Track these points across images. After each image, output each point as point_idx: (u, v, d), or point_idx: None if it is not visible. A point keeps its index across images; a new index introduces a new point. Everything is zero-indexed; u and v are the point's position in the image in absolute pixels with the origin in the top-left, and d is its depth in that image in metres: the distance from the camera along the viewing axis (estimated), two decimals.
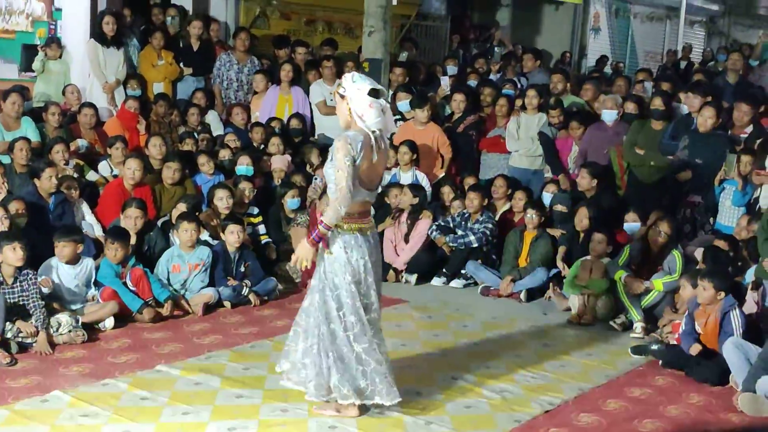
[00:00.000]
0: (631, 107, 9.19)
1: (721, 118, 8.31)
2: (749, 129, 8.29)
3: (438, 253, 8.70)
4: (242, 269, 7.64)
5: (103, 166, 8.82)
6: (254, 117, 10.47)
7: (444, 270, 8.58)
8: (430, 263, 8.64)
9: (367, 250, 4.97)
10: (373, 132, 4.83)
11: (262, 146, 9.71)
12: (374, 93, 4.79)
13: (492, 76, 12.55)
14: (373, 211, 5.72)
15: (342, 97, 4.89)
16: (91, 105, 9.44)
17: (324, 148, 10.17)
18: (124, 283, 6.88)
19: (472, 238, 8.50)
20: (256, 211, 8.51)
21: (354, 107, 4.82)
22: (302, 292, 7.93)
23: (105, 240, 7.20)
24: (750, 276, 6.95)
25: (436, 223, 8.76)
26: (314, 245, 4.88)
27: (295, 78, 10.59)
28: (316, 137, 10.66)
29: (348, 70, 10.88)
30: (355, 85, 4.82)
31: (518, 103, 10.11)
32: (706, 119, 8.13)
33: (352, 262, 4.92)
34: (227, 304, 7.34)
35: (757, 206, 7.65)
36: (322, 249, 4.94)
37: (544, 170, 9.60)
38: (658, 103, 8.86)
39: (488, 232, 8.55)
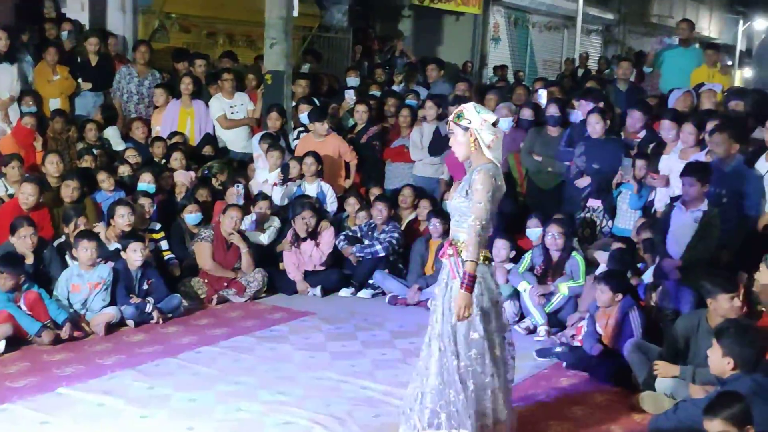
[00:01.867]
0: (527, 114, 9.37)
1: (610, 123, 8.53)
2: (642, 134, 8.53)
3: (347, 267, 8.70)
4: (145, 286, 7.49)
5: None
6: (155, 131, 10.30)
7: (351, 280, 8.58)
8: (338, 276, 8.63)
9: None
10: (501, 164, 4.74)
11: (164, 160, 9.55)
12: (495, 125, 4.74)
13: (395, 87, 12.65)
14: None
15: (465, 129, 4.69)
16: None
17: (230, 162, 10.10)
18: (19, 307, 6.66)
19: (378, 247, 8.53)
20: (158, 226, 8.37)
21: (484, 138, 4.66)
22: (207, 307, 7.87)
23: None
24: (648, 277, 7.15)
25: (343, 234, 8.77)
26: (470, 290, 4.56)
27: (196, 91, 10.46)
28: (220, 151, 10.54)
29: (249, 82, 10.91)
30: (481, 116, 4.69)
31: (421, 113, 10.20)
32: (593, 125, 8.34)
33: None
34: (130, 322, 7.18)
35: (653, 209, 7.88)
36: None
37: (441, 173, 9.70)
38: (552, 110, 9.07)
39: (394, 242, 8.59)
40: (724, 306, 5.42)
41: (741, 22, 35.00)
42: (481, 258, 4.63)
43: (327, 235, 8.70)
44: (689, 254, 6.57)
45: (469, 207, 4.62)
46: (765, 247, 6.90)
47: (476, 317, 4.63)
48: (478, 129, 4.67)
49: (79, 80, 10.48)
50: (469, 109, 4.74)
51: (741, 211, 7.11)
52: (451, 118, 4.80)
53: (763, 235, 7.15)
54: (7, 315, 6.51)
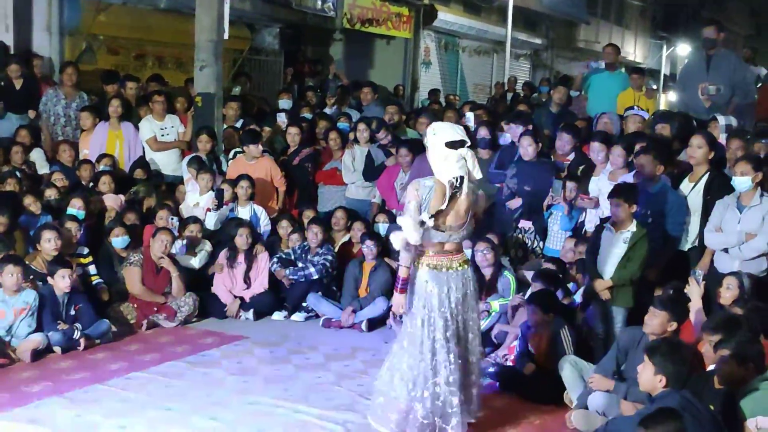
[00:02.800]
0: None
1: (542, 145, 8.65)
2: (571, 156, 8.67)
3: (281, 290, 8.65)
4: (72, 312, 7.32)
5: None
6: (83, 154, 10.10)
7: (285, 303, 8.52)
8: (271, 299, 8.56)
9: (445, 284, 5.20)
10: (450, 181, 5.04)
11: (91, 184, 9.38)
12: (451, 145, 5.06)
13: (327, 110, 12.66)
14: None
15: (427, 148, 5.22)
16: None
17: (159, 185, 9.97)
18: None
19: (312, 270, 8.48)
20: (85, 251, 8.20)
21: (432, 159, 5.13)
22: (137, 333, 7.72)
23: None
24: (579, 297, 7.25)
25: (277, 256, 8.71)
26: (402, 292, 5.20)
27: (124, 113, 10.31)
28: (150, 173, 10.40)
29: (179, 105, 10.79)
30: (434, 137, 5.13)
31: (351, 136, 10.22)
32: (526, 148, 8.46)
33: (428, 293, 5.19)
34: (57, 349, 7.00)
35: (583, 230, 8.00)
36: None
37: (373, 196, 9.73)
38: (483, 133, 9.17)
39: (328, 264, 8.56)
40: (660, 326, 5.53)
41: (665, 47, 36.00)
42: (430, 264, 5.19)
43: (262, 260, 8.64)
44: (618, 274, 6.68)
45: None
46: (688, 266, 7.11)
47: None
48: (430, 150, 5.17)
49: (1, 103, 10.24)
50: (429, 129, 5.27)
51: (665, 231, 7.27)
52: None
53: (686, 254, 7.33)
54: None
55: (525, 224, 8.43)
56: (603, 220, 7.33)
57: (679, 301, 5.85)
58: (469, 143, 5.20)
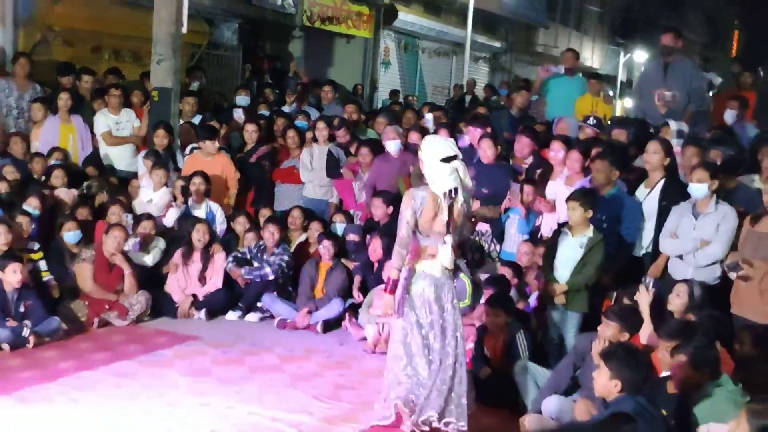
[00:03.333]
0: (414, 138, 9.41)
1: (500, 148, 8.66)
2: (530, 160, 8.69)
3: (236, 289, 8.56)
4: (22, 309, 7.17)
5: None
6: (34, 147, 9.91)
7: (239, 303, 8.43)
8: (225, 299, 8.47)
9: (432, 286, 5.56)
10: (445, 192, 5.44)
11: (43, 177, 9.21)
12: (446, 160, 5.44)
13: (286, 108, 12.57)
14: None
15: (422, 161, 5.61)
16: None
17: (112, 180, 9.82)
18: None
19: (267, 270, 8.41)
20: (36, 246, 8.04)
21: (426, 171, 5.54)
22: (88, 331, 7.59)
23: None
24: (534, 301, 7.27)
25: (233, 255, 8.62)
26: (392, 293, 5.53)
27: (75, 106, 10.12)
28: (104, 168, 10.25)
29: (135, 99, 10.64)
30: (428, 153, 5.53)
31: (309, 134, 10.15)
32: (485, 150, 8.47)
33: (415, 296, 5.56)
34: (5, 346, 6.87)
35: (539, 233, 8.02)
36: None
37: (330, 196, 9.69)
38: (443, 135, 9.15)
39: (284, 264, 8.49)
40: (612, 337, 5.55)
41: (622, 53, 36.41)
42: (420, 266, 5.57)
43: (218, 259, 8.55)
44: (574, 279, 6.71)
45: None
46: (642, 271, 7.15)
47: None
48: (425, 163, 5.56)
49: None
50: (426, 140, 5.72)
51: (620, 236, 7.31)
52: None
53: (640, 260, 7.38)
54: None
55: (482, 227, 8.43)
56: (560, 225, 7.36)
57: (632, 312, 5.88)
58: (460, 156, 5.55)
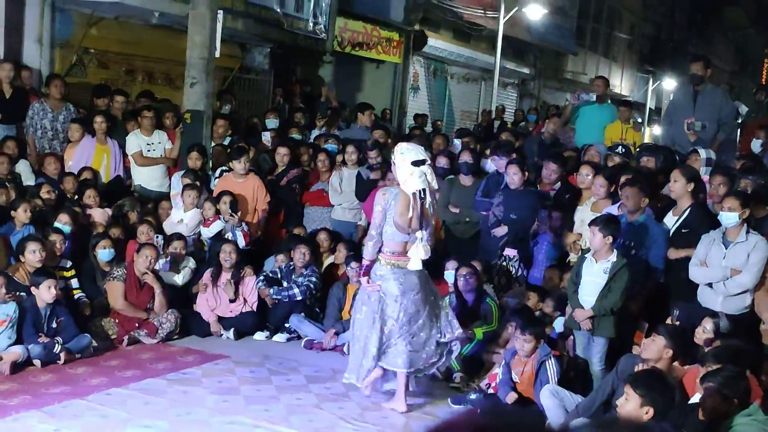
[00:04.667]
0: (443, 162, 9.47)
1: (528, 174, 8.69)
2: (557, 186, 8.72)
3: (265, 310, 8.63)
4: (54, 325, 7.27)
5: None
6: (67, 166, 10.07)
7: (267, 323, 8.49)
8: (253, 319, 8.53)
9: (403, 277, 6.32)
10: (414, 193, 6.13)
11: (75, 196, 9.35)
12: (416, 163, 6.10)
13: (316, 131, 12.69)
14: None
15: (394, 164, 6.27)
16: None
17: (144, 201, 9.95)
18: None
19: (296, 290, 8.47)
20: (68, 264, 8.16)
21: (398, 174, 6.20)
22: (118, 348, 7.68)
23: None
24: (559, 326, 7.27)
25: (264, 274, 8.69)
26: (365, 275, 6.43)
27: (110, 128, 10.29)
28: (133, 187, 10.39)
29: (168, 121, 10.78)
30: (402, 157, 6.16)
31: (339, 158, 10.24)
32: (512, 176, 8.50)
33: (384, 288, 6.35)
34: (37, 362, 6.95)
35: (567, 259, 8.03)
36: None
37: (358, 219, 9.75)
38: (465, 157, 9.22)
39: (312, 285, 8.54)
40: (657, 351, 5.57)
41: (651, 80, 36.34)
42: (388, 262, 6.34)
43: (250, 282, 8.62)
44: (599, 304, 6.71)
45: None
46: (669, 299, 7.14)
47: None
48: (398, 166, 6.20)
49: None
50: (396, 149, 6.28)
51: (648, 263, 7.31)
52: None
53: (668, 287, 7.36)
54: None
55: (510, 252, 8.44)
56: (584, 251, 7.37)
57: (682, 336, 5.87)
58: (429, 162, 6.26)
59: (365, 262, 6.41)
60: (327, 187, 9.96)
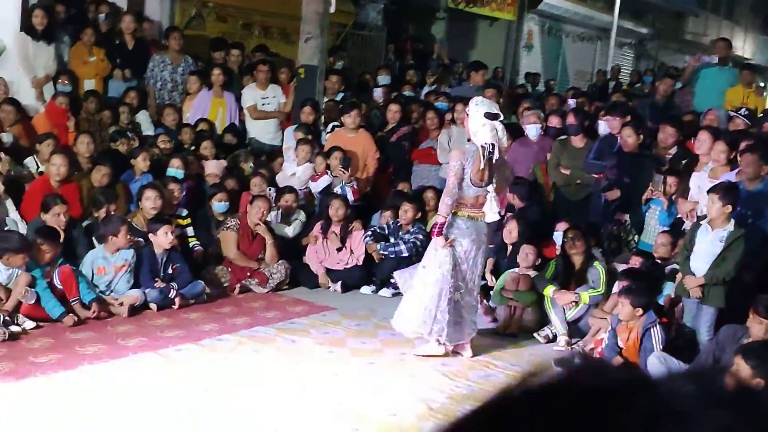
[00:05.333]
0: (554, 122, 9.34)
1: (643, 137, 8.50)
2: (674, 150, 8.51)
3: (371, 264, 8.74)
4: (170, 271, 7.54)
5: (29, 162, 8.63)
6: (185, 118, 10.37)
7: (373, 278, 8.61)
8: (360, 273, 8.65)
9: (475, 232, 6.39)
10: (483, 146, 6.15)
11: (192, 147, 9.62)
12: (489, 116, 6.16)
13: (426, 88, 12.67)
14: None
15: (467, 115, 6.31)
16: (12, 102, 9.19)
17: (258, 153, 10.17)
18: (51, 282, 6.73)
19: (402, 247, 8.54)
20: (184, 212, 8.43)
21: (471, 125, 6.24)
22: (230, 296, 7.92)
23: (35, 239, 6.95)
24: (668, 292, 7.13)
25: (371, 229, 8.79)
26: (439, 234, 6.32)
27: (227, 82, 10.52)
28: (247, 140, 10.62)
29: (282, 75, 10.95)
30: (476, 108, 6.22)
31: (448, 116, 10.21)
32: (626, 139, 8.32)
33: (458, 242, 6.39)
34: (153, 306, 7.24)
35: (683, 226, 7.85)
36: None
37: None
38: (572, 119, 9.06)
39: (419, 243, 8.59)
40: (762, 333, 5.43)
41: None
42: (463, 215, 6.37)
43: (357, 236, 8.74)
44: (712, 273, 6.56)
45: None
46: None
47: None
48: (471, 117, 6.25)
49: (126, 71, 10.51)
50: (472, 101, 6.37)
51: (765, 232, 7.09)
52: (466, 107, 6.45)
53: None
54: (30, 305, 6.57)
55: (622, 217, 8.30)
56: (699, 218, 7.20)
57: None
58: (501, 117, 6.34)
59: (440, 219, 6.36)
60: (435, 144, 9.96)
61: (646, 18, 26.33)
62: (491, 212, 6.34)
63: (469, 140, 6.39)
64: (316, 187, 9.25)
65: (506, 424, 0.70)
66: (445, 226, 6.35)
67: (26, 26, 9.85)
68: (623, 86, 16.98)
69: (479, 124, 6.19)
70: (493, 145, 6.19)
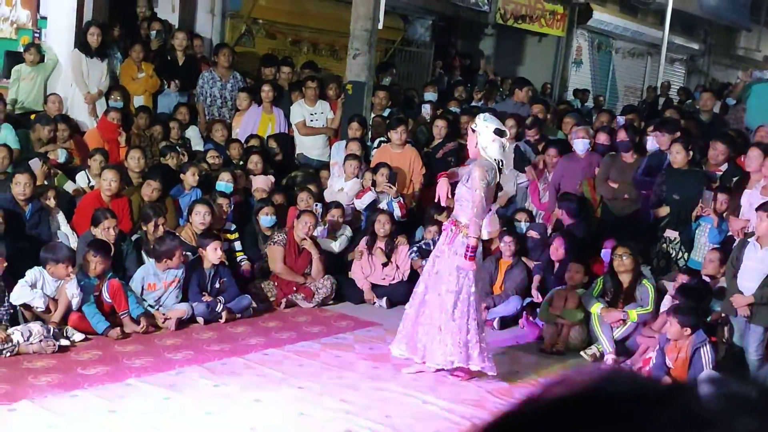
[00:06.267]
0: (603, 138, 9.27)
1: (693, 154, 8.39)
2: (724, 167, 8.39)
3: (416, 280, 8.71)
4: (217, 285, 7.61)
5: (81, 177, 8.79)
6: (234, 134, 10.49)
7: None
8: (406, 288, 8.63)
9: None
10: (495, 161, 6.03)
11: (240, 162, 9.72)
12: (498, 132, 6.05)
13: (474, 104, 12.66)
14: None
15: (473, 131, 6.12)
16: (65, 119, 9.38)
17: (307, 170, 10.24)
18: (99, 296, 6.84)
19: None
20: (233, 227, 8.50)
21: (480, 141, 6.04)
22: (276, 310, 7.96)
23: (86, 252, 7.05)
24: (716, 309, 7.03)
25: (417, 245, 8.78)
26: (472, 259, 6.06)
27: (276, 98, 10.62)
28: (296, 156, 10.69)
29: (331, 92, 11.03)
30: (485, 124, 6.06)
31: None
32: (675, 155, 8.23)
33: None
34: (200, 320, 7.30)
35: (733, 244, 7.72)
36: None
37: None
38: (622, 136, 8.97)
39: None
40: None
41: None
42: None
43: (403, 251, 8.74)
44: (760, 292, 6.45)
45: (468, 194, 6.00)
46: None
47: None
48: (480, 133, 6.04)
49: (174, 82, 10.67)
50: (479, 117, 6.20)
51: None
52: (469, 124, 6.27)
53: None
54: (78, 317, 6.69)
55: (671, 234, 8.20)
56: (747, 235, 7.08)
57: None
58: (508, 135, 6.37)
59: (473, 242, 6.05)
60: None
61: (697, 33, 26.02)
62: (486, 229, 6.17)
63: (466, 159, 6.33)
64: (361, 204, 9.27)
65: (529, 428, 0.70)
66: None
67: (81, 43, 10.04)
68: (674, 102, 16.78)
69: (489, 139, 6.07)
70: (502, 161, 6.15)
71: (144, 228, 7.91)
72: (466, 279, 6.15)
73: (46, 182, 8.22)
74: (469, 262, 6.05)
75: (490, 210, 6.24)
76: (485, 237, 6.29)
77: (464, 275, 6.14)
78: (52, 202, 7.83)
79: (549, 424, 0.70)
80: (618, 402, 0.69)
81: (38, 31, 10.39)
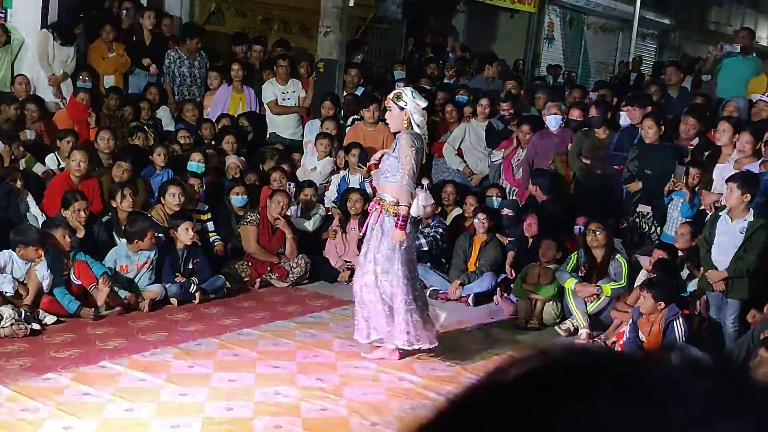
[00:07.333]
0: (576, 114, 9.28)
1: (664, 128, 8.42)
2: (695, 141, 8.43)
3: None
4: (190, 266, 7.57)
5: (51, 159, 8.69)
6: (205, 113, 10.40)
7: None
8: None
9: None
10: (424, 135, 6.08)
11: (212, 142, 9.64)
12: (425, 109, 6.11)
13: (446, 81, 12.63)
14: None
15: (401, 109, 5.96)
16: (35, 100, 9.26)
17: (280, 151, 10.18)
18: (69, 278, 6.77)
19: (422, 241, 8.51)
20: (205, 207, 8.45)
21: (415, 119, 5.95)
22: (250, 290, 7.93)
23: (48, 232, 6.94)
24: (693, 286, 7.08)
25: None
26: (403, 228, 5.94)
27: (247, 77, 10.53)
28: (268, 136, 10.63)
29: (302, 70, 10.95)
30: (415, 101, 5.97)
31: (468, 109, 10.17)
32: (647, 130, 8.26)
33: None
34: (174, 301, 7.27)
35: (705, 218, 7.77)
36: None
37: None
38: (594, 111, 8.98)
39: (438, 237, 8.58)
40: None
41: None
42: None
43: None
44: (734, 265, 6.50)
45: (396, 163, 5.91)
46: None
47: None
48: (412, 111, 5.93)
49: (152, 66, 10.54)
50: (407, 93, 6.02)
51: None
52: (390, 97, 6.08)
53: None
54: (49, 300, 6.62)
55: (643, 209, 8.24)
56: (717, 209, 7.13)
57: None
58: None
59: (403, 210, 5.92)
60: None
61: (669, 8, 26.08)
62: (421, 203, 6.06)
63: (396, 133, 6.13)
64: (330, 195, 9.22)
65: (474, 416, 0.68)
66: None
67: (47, 23, 9.89)
68: (645, 77, 16.83)
69: (419, 115, 6.01)
70: (426, 136, 6.22)
71: (114, 204, 7.80)
72: (396, 254, 6.02)
73: (12, 164, 8.10)
74: (400, 231, 5.94)
75: (422, 186, 6.14)
76: (420, 214, 6.15)
77: (395, 250, 6.01)
78: (19, 184, 7.73)
79: (495, 407, 0.68)
80: (564, 376, 0.67)
81: (4, 11, 10.20)
